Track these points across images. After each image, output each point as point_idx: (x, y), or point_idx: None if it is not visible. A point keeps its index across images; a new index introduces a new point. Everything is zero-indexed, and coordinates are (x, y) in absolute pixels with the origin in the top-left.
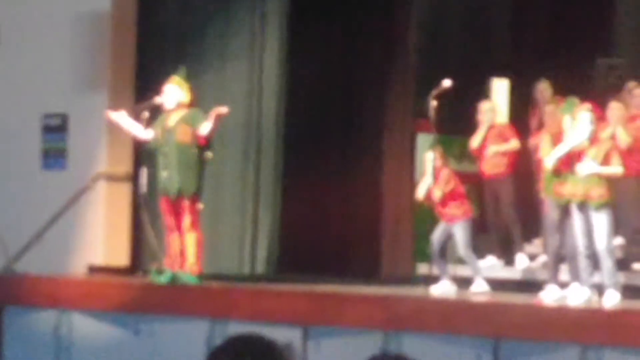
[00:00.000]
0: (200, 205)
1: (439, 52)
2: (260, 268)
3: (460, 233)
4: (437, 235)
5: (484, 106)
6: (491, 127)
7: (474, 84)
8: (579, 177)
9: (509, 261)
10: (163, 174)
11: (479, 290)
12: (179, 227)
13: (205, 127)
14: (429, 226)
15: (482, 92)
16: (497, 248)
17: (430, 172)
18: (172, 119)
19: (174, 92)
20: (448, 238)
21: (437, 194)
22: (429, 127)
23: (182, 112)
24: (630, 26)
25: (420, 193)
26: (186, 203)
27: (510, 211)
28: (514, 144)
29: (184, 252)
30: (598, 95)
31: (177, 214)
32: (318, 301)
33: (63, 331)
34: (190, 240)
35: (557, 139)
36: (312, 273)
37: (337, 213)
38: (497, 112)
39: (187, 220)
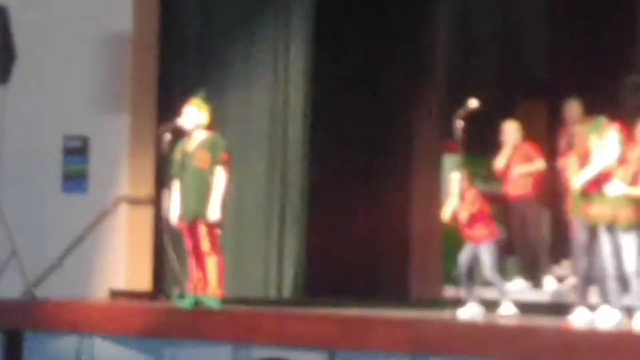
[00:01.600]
0: (218, 231)
1: (466, 72)
2: (286, 291)
3: (486, 255)
4: (464, 258)
5: (508, 126)
6: (516, 147)
7: (500, 104)
8: (607, 198)
9: (537, 284)
10: (182, 199)
11: (507, 313)
12: (196, 252)
13: (214, 213)
14: (457, 248)
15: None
16: (525, 270)
17: (457, 193)
18: (191, 144)
19: (193, 114)
20: (475, 260)
21: (463, 215)
22: (456, 147)
23: (201, 136)
24: None
25: (446, 214)
26: (204, 227)
27: (537, 233)
28: (539, 164)
29: (206, 276)
30: (626, 114)
31: (195, 239)
32: (345, 324)
33: (84, 357)
34: (211, 263)
35: (584, 159)
36: (339, 296)
37: (365, 235)
38: (521, 133)
39: (206, 244)
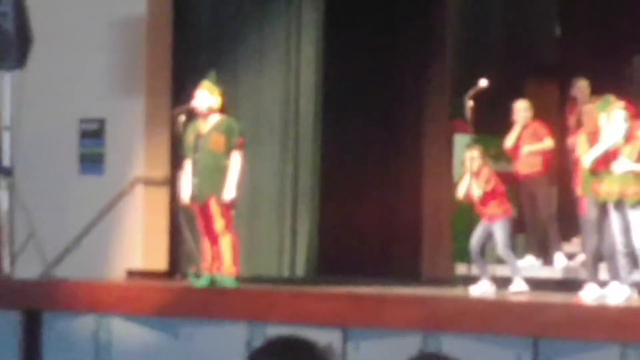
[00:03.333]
0: (232, 211)
1: (476, 52)
2: (300, 270)
3: (499, 232)
4: (477, 235)
5: (518, 105)
6: (525, 126)
7: (510, 84)
8: (615, 176)
9: (547, 261)
10: (194, 180)
11: (518, 290)
12: (210, 232)
13: (229, 193)
14: (468, 226)
15: (519, 92)
16: (535, 248)
17: (471, 171)
18: (205, 126)
19: (204, 97)
20: (488, 238)
21: (477, 193)
22: (466, 127)
23: (215, 119)
24: None
25: (460, 192)
26: (217, 208)
27: (547, 210)
28: (548, 142)
29: (220, 255)
30: (634, 93)
31: (207, 219)
32: (357, 302)
33: (102, 336)
34: (226, 243)
35: (594, 137)
36: (352, 274)
37: (376, 214)
38: (531, 111)
39: (219, 224)
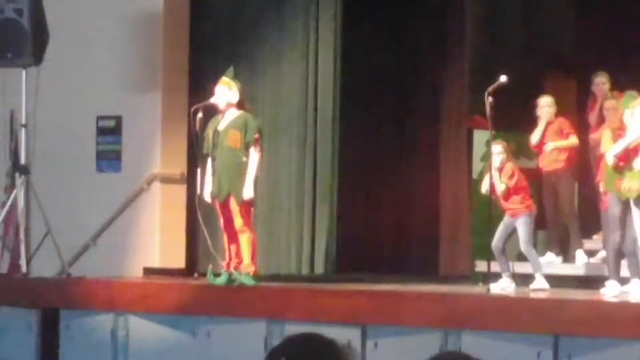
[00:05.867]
0: (251, 208)
1: (495, 48)
2: (319, 268)
3: (522, 228)
4: (500, 232)
5: (542, 101)
6: (550, 122)
7: (530, 80)
8: (636, 172)
9: (567, 258)
10: (213, 177)
11: (539, 287)
12: (230, 230)
13: (248, 192)
14: (487, 223)
15: (537, 87)
16: (556, 244)
17: (495, 166)
18: (223, 122)
19: (223, 93)
20: (510, 234)
21: (500, 189)
22: (485, 123)
23: (233, 115)
24: None
25: (484, 187)
26: (236, 205)
27: (570, 207)
28: (572, 140)
29: (239, 253)
30: None
31: (229, 216)
32: (376, 300)
33: (120, 334)
34: (245, 240)
35: (618, 133)
36: (370, 272)
37: (395, 211)
38: (555, 107)
39: (239, 221)
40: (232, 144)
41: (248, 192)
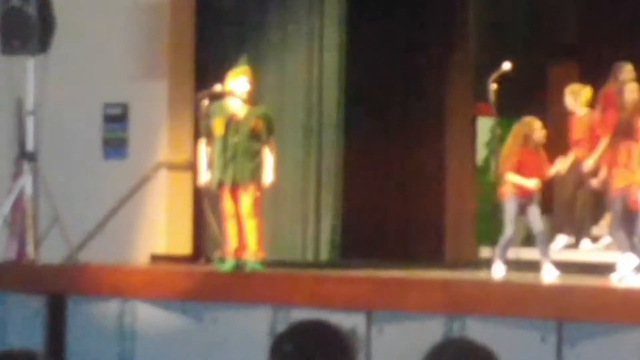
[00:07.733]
0: (259, 195)
1: (499, 35)
2: (323, 254)
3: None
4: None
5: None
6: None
7: (533, 67)
8: None
9: (575, 243)
10: (224, 164)
11: (549, 274)
12: (238, 216)
13: (269, 178)
14: (491, 209)
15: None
16: (566, 228)
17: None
18: (241, 110)
19: (244, 82)
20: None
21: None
22: (489, 110)
23: (247, 104)
24: None
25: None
26: (249, 192)
27: (579, 192)
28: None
29: (245, 239)
30: None
31: (237, 203)
32: (381, 286)
33: (126, 320)
34: (251, 227)
35: None
36: (375, 258)
37: (399, 198)
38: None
39: (246, 207)
40: (253, 132)
41: (269, 178)
